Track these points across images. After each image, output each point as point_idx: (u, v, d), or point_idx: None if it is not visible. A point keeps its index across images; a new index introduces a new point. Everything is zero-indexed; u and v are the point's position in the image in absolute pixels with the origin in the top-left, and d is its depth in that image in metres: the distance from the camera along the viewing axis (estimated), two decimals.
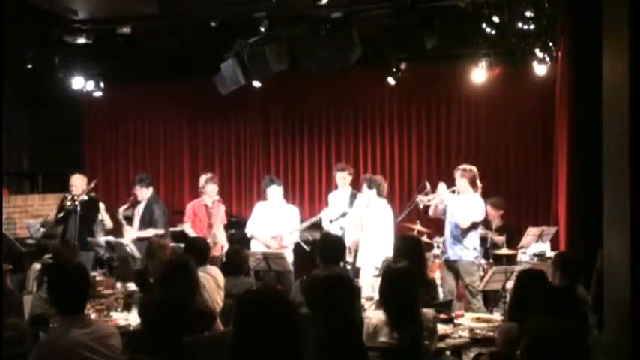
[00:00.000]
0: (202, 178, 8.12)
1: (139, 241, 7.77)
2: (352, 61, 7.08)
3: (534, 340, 3.04)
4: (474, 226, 6.92)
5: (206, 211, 7.89)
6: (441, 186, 7.07)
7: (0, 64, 6.84)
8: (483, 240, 7.65)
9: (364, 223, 7.32)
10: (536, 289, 4.05)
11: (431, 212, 7.19)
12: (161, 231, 7.94)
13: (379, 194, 7.34)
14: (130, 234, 8.01)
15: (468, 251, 6.86)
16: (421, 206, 7.47)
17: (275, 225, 7.76)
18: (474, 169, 7.05)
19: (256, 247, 7.69)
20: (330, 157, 10.29)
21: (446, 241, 7.08)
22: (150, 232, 7.86)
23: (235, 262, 6.26)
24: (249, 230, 7.90)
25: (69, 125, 11.06)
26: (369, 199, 7.34)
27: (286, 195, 8.32)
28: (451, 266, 6.93)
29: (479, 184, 6.99)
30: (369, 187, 7.32)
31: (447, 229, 7.01)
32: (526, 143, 9.47)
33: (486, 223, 7.90)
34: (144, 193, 8.14)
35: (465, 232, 6.85)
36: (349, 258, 7.52)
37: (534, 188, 9.47)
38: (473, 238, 6.92)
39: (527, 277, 4.23)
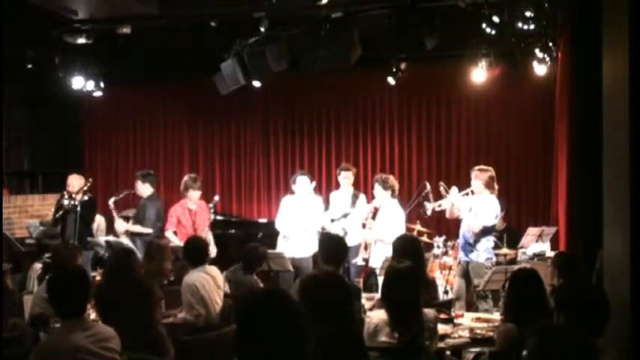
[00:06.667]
0: (184, 182, 7.99)
1: (131, 236, 7.85)
2: (352, 61, 7.08)
3: (543, 342, 3.05)
4: (486, 230, 6.79)
5: (189, 215, 7.84)
6: (453, 190, 7.00)
7: (0, 64, 6.84)
8: None
9: (377, 224, 7.34)
10: (530, 288, 4.05)
11: (447, 214, 7.18)
12: (149, 230, 7.89)
13: (393, 195, 7.36)
14: (120, 226, 8.00)
15: (479, 253, 6.75)
16: (429, 213, 7.42)
17: (302, 217, 7.70)
18: (491, 169, 6.93)
19: (283, 247, 7.60)
20: (330, 157, 10.29)
21: (459, 242, 7.01)
22: (137, 229, 7.90)
23: (252, 258, 6.22)
24: (279, 227, 7.82)
25: (69, 125, 11.07)
26: (383, 200, 7.35)
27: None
28: (463, 268, 6.87)
29: (496, 185, 6.87)
30: (384, 188, 7.32)
31: (461, 231, 6.94)
32: (526, 143, 9.47)
33: None
34: (142, 189, 8.12)
35: (476, 235, 6.74)
36: (365, 255, 7.56)
37: (534, 188, 9.47)
38: (484, 241, 6.80)
39: (519, 278, 4.22)
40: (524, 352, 3.38)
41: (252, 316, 2.35)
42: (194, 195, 7.92)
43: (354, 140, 10.21)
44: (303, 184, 7.80)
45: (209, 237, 7.81)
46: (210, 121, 10.85)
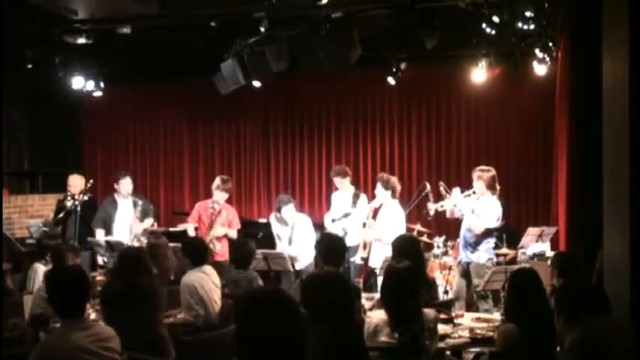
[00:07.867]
0: (215, 181, 7.96)
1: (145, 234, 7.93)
2: (352, 61, 7.08)
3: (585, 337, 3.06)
4: (488, 232, 6.76)
5: (210, 214, 7.75)
6: (455, 190, 6.97)
7: (0, 64, 6.83)
8: None
9: (377, 224, 7.32)
10: (530, 288, 4.05)
11: (447, 214, 7.16)
12: (153, 219, 8.30)
13: (393, 196, 7.35)
14: (137, 228, 8.00)
15: (480, 254, 6.73)
16: (432, 213, 7.40)
17: (293, 243, 7.61)
18: (492, 169, 6.89)
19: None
20: (330, 158, 10.28)
21: (460, 242, 6.97)
22: (149, 222, 8.16)
23: (241, 254, 6.20)
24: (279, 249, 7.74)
25: (69, 125, 11.06)
26: (384, 199, 7.33)
27: None
28: (463, 268, 6.84)
29: (497, 185, 6.82)
30: (385, 188, 7.31)
31: (461, 231, 6.90)
32: (526, 143, 9.46)
33: None
34: (128, 188, 8.25)
35: (478, 236, 6.71)
36: (363, 254, 7.53)
37: (534, 188, 9.47)
38: (485, 242, 6.77)
39: (519, 278, 4.22)
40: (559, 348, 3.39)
41: (252, 316, 2.36)
42: (216, 196, 7.84)
43: (354, 140, 10.21)
44: (288, 213, 7.64)
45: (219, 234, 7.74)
46: (210, 121, 10.84)
